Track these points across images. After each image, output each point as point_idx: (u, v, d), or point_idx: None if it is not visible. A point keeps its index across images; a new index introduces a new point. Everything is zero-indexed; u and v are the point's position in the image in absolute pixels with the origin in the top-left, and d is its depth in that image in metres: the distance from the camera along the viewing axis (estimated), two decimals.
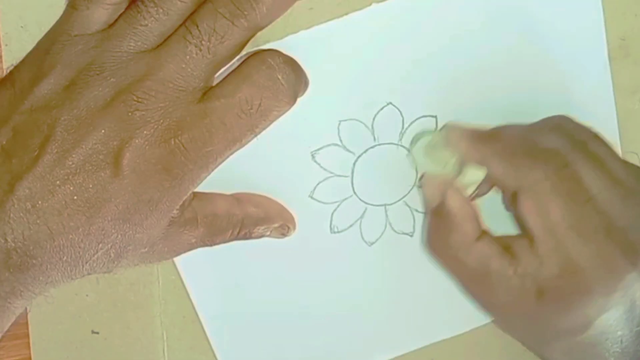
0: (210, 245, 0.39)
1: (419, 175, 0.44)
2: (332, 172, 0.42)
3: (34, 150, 0.33)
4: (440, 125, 0.43)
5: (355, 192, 0.43)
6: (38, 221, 0.33)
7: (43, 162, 0.33)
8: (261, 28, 0.36)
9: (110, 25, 0.35)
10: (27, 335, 0.42)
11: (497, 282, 0.39)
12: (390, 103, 0.42)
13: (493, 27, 0.42)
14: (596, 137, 0.41)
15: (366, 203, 0.44)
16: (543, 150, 0.39)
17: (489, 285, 0.39)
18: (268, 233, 0.41)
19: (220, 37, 0.35)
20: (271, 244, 0.42)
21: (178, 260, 0.42)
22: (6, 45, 0.38)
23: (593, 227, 0.37)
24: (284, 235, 0.42)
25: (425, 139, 0.42)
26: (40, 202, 0.33)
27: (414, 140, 0.43)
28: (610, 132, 0.45)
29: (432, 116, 0.43)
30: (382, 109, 0.42)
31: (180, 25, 0.35)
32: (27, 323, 0.42)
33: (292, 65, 0.36)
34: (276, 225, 0.41)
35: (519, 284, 0.38)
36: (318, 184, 0.42)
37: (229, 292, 0.44)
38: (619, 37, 0.44)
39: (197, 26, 0.35)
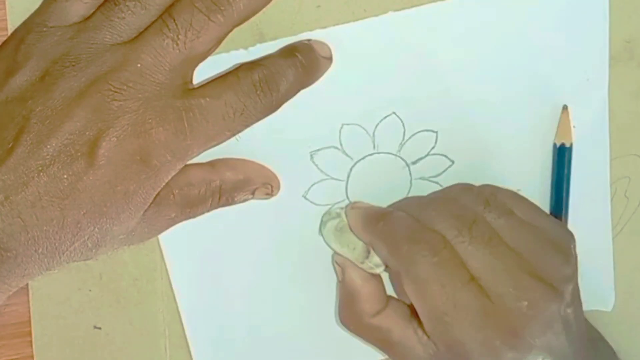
0: (193, 217, 0.39)
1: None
2: (328, 175, 0.42)
3: (8, 142, 0.33)
4: (439, 141, 0.43)
5: (348, 198, 0.43)
6: (11, 213, 0.33)
7: (17, 154, 0.33)
8: (238, 24, 0.36)
9: (87, 18, 0.35)
10: (28, 334, 0.42)
11: (404, 351, 0.40)
12: (394, 113, 0.42)
13: (503, 45, 0.42)
14: (501, 204, 0.40)
15: None
16: (425, 234, 0.39)
17: (398, 353, 0.40)
18: (251, 196, 0.41)
19: (197, 32, 0.35)
20: (258, 239, 0.43)
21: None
22: None
23: (474, 309, 0.38)
24: (268, 195, 0.41)
25: (334, 222, 0.42)
26: (13, 195, 0.33)
27: (323, 223, 0.42)
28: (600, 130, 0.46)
29: (432, 131, 0.43)
30: (385, 117, 0.42)
31: (157, 19, 0.35)
32: (28, 321, 0.42)
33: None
34: (258, 186, 0.41)
35: (423, 352, 0.39)
36: (313, 184, 0.42)
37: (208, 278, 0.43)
38: (624, 39, 0.44)
39: (174, 20, 0.35)
